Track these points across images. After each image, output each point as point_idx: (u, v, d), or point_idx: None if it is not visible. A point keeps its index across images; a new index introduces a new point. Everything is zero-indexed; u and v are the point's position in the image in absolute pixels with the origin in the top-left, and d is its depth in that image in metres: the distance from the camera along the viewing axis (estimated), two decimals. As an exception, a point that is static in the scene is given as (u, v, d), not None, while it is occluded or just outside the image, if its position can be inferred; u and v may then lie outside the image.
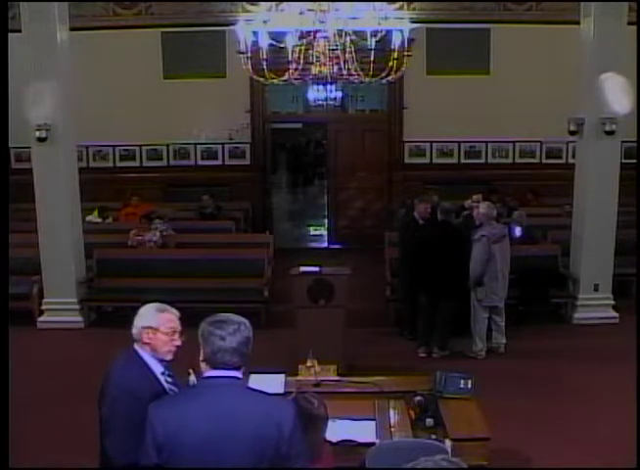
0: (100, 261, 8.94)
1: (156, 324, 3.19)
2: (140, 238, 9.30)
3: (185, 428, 2.58)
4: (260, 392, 2.84)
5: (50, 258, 8.38)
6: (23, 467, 4.84)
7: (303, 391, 4.06)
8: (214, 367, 2.70)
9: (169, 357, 3.23)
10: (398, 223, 9.18)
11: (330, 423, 3.58)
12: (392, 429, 4.20)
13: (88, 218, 10.12)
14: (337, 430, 4.00)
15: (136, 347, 3.23)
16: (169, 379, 3.24)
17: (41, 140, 8.07)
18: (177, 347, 3.23)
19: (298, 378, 4.82)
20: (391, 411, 4.39)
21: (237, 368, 2.71)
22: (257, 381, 4.66)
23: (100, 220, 10.51)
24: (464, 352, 7.40)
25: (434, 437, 4.01)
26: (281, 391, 4.40)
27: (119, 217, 10.86)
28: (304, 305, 6.72)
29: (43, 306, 8.52)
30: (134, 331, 3.22)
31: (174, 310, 3.29)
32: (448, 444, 3.91)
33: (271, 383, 4.55)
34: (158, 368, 3.23)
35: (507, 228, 7.86)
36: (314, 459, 3.38)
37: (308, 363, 4.94)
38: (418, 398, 4.35)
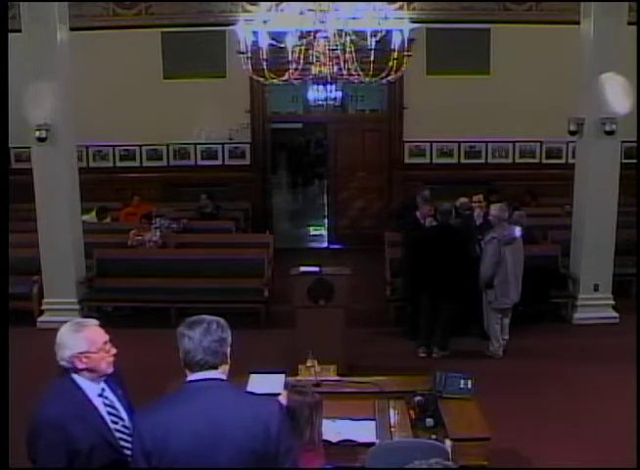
0: (100, 261, 8.95)
1: (86, 347, 3.02)
2: (140, 238, 9.30)
3: (172, 434, 2.58)
4: (245, 392, 2.84)
5: (50, 258, 8.38)
6: (23, 467, 4.84)
7: (294, 385, 4.08)
8: (192, 370, 2.71)
9: (110, 370, 3.10)
10: (395, 222, 9.16)
11: (330, 423, 3.58)
12: (392, 429, 4.21)
13: (84, 218, 10.11)
14: (337, 430, 4.01)
15: (73, 376, 3.04)
16: (108, 397, 3.09)
17: (41, 140, 8.07)
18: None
19: (298, 378, 4.82)
20: (391, 411, 4.40)
21: (213, 368, 2.71)
22: (257, 381, 4.67)
23: (96, 220, 10.47)
24: (483, 350, 7.41)
25: (434, 437, 4.01)
26: (281, 391, 4.40)
27: (120, 217, 10.86)
28: (304, 305, 6.71)
29: (43, 306, 8.52)
30: (63, 363, 3.02)
31: (90, 322, 3.14)
32: (448, 444, 3.90)
33: (271, 383, 4.55)
34: (95, 390, 3.06)
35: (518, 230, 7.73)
36: (316, 447, 3.40)
37: (308, 363, 4.94)
38: (418, 398, 4.36)
